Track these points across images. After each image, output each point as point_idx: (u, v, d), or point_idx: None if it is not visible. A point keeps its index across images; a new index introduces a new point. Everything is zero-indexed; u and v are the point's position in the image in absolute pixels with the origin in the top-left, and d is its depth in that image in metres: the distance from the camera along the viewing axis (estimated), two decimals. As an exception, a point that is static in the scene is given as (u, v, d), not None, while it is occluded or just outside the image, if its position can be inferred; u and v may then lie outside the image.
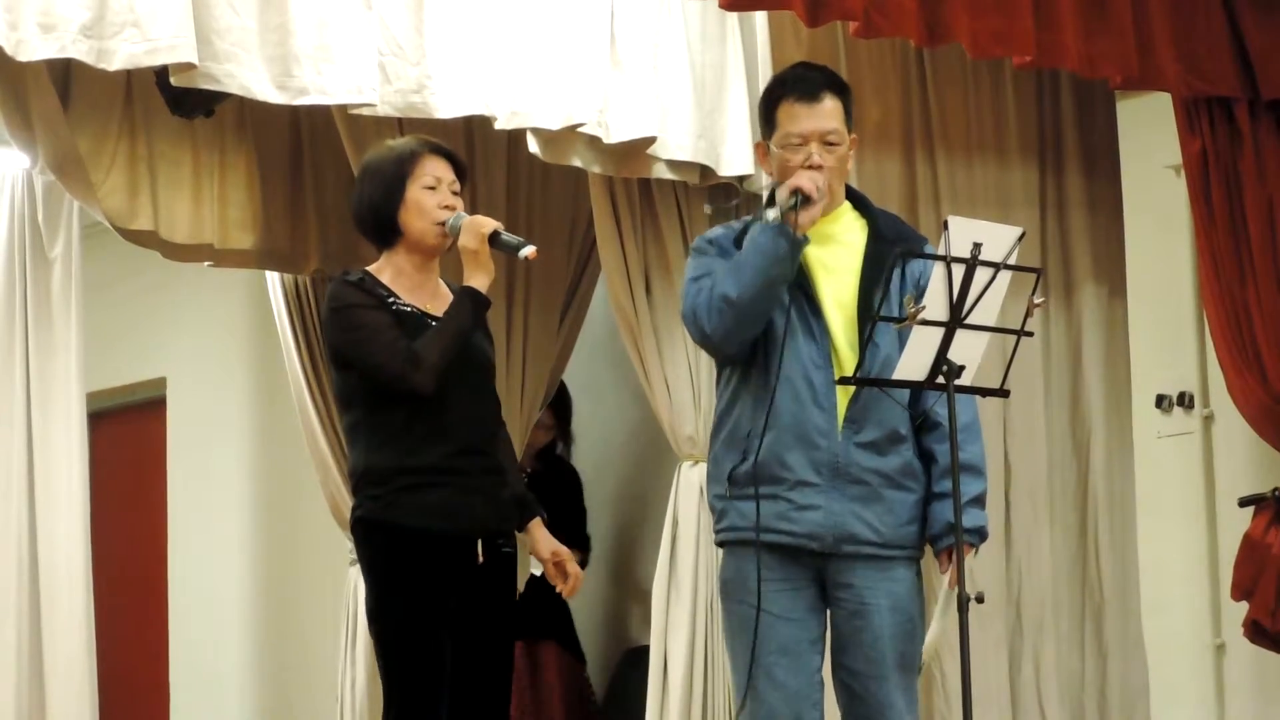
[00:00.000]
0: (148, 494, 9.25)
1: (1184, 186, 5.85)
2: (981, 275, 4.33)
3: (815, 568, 4.49)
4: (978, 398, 4.57)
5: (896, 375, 4.39)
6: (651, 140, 5.91)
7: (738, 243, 4.53)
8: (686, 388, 6.33)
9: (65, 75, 6.26)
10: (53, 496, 7.19)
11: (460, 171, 4.86)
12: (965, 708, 4.40)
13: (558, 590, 4.96)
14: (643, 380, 6.45)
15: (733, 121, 6.06)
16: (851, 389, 4.45)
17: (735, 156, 6.06)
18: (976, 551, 4.50)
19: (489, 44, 5.65)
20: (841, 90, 4.57)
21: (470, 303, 4.71)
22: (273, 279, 7.37)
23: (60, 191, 6.95)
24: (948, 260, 4.30)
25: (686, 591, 6.23)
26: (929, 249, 4.52)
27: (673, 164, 6.05)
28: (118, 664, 8.48)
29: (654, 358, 6.36)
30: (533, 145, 5.89)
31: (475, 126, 6.46)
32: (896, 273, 4.51)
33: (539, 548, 4.92)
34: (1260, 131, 5.73)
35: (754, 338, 4.47)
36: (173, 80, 5.37)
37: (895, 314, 4.42)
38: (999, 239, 4.36)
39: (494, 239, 4.74)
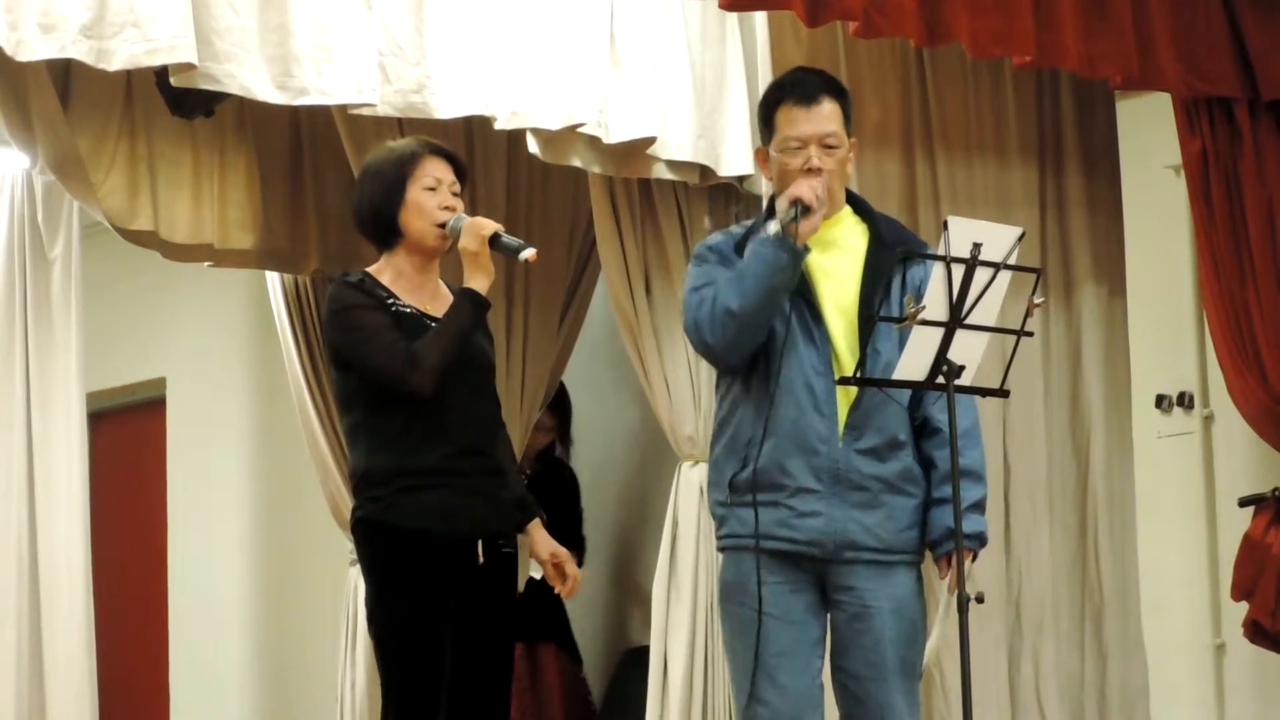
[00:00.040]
0: (148, 494, 9.25)
1: (1184, 186, 5.86)
2: (981, 275, 4.33)
3: (816, 571, 4.49)
4: (978, 400, 4.57)
5: (896, 375, 4.39)
6: (651, 140, 5.91)
7: (738, 249, 4.53)
8: (686, 388, 6.32)
9: (65, 75, 6.26)
10: (53, 496, 7.19)
11: (461, 172, 4.86)
12: (965, 708, 4.40)
13: (556, 591, 4.97)
14: (643, 380, 6.45)
15: (733, 122, 6.06)
16: (852, 396, 4.45)
17: (735, 157, 6.06)
18: (975, 557, 4.50)
19: (489, 44, 5.65)
20: (840, 94, 4.57)
21: (470, 304, 4.71)
22: (273, 279, 7.37)
23: (60, 191, 6.95)
24: (947, 260, 4.30)
25: (687, 592, 6.22)
26: (929, 249, 4.52)
27: (673, 164, 6.05)
28: (118, 664, 8.48)
29: (654, 358, 6.36)
30: (533, 145, 5.89)
31: (475, 126, 6.46)
32: (897, 277, 4.51)
33: (538, 549, 4.92)
34: (1260, 131, 5.73)
35: (756, 347, 4.47)
36: (173, 80, 5.37)
37: (895, 318, 4.42)
38: (999, 239, 4.36)
39: (494, 241, 4.74)
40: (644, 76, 5.87)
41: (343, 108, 5.75)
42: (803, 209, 4.36)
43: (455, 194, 4.82)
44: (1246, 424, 5.77)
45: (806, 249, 4.39)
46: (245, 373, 8.85)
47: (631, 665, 7.54)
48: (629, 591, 7.98)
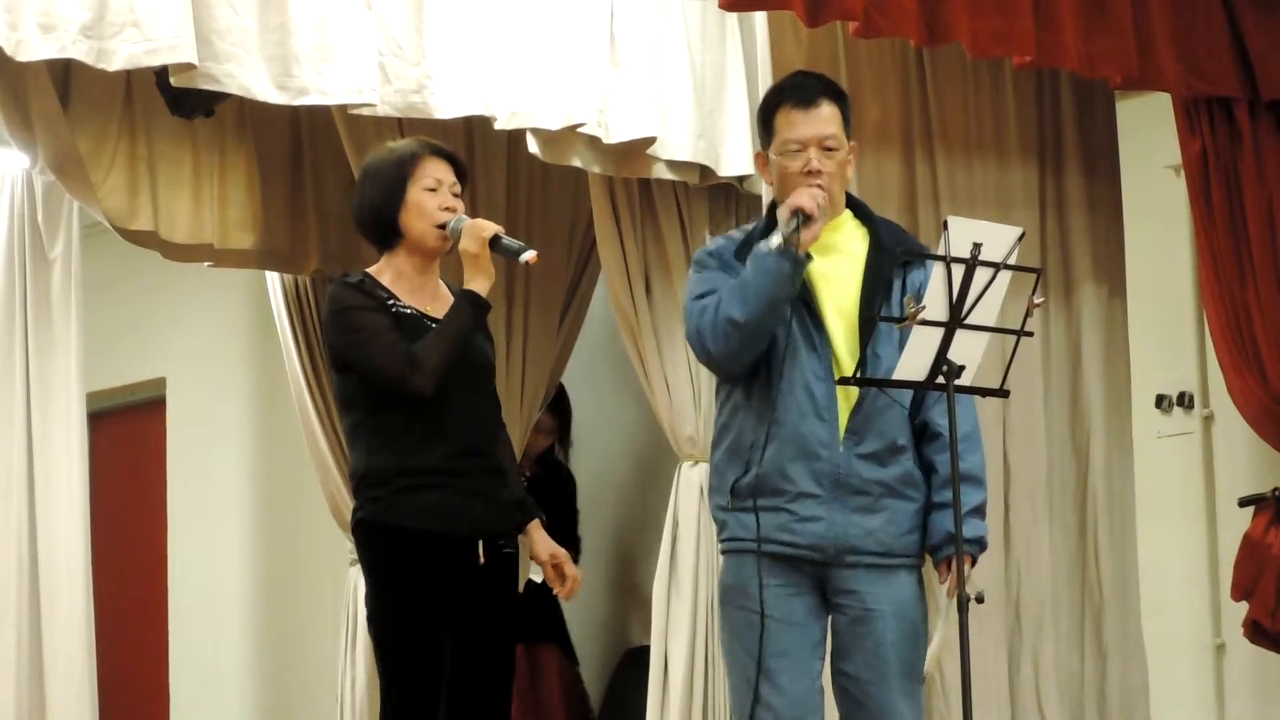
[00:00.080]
0: (148, 494, 9.25)
1: (1184, 186, 5.86)
2: (981, 275, 4.33)
3: (816, 575, 4.49)
4: (978, 401, 4.57)
5: (896, 376, 4.38)
6: (651, 140, 5.91)
7: (738, 254, 4.53)
8: (686, 388, 6.33)
9: (65, 75, 6.26)
10: (53, 496, 7.19)
11: (461, 173, 4.86)
12: (965, 708, 4.40)
13: (555, 593, 4.97)
14: (643, 380, 6.45)
15: (733, 122, 6.06)
16: (853, 401, 4.45)
17: (735, 157, 6.06)
18: (975, 562, 4.50)
19: (489, 44, 5.65)
20: (839, 97, 4.57)
21: (470, 306, 4.71)
22: (273, 279, 7.37)
23: (60, 191, 6.95)
24: (947, 260, 4.30)
25: (687, 591, 6.23)
26: (929, 250, 4.52)
27: (672, 164, 6.05)
28: (118, 664, 8.48)
29: (654, 358, 6.37)
30: (533, 145, 5.89)
31: (475, 126, 6.46)
32: (897, 281, 4.51)
33: (538, 549, 4.92)
34: (1260, 131, 5.73)
35: (759, 355, 4.47)
36: (173, 80, 5.37)
37: (896, 318, 4.42)
38: (999, 239, 4.36)
39: (495, 243, 4.74)
40: (644, 76, 5.87)
41: (343, 108, 5.75)
42: (804, 218, 4.36)
43: (456, 195, 4.82)
44: (1246, 424, 5.77)
45: (809, 257, 4.39)
46: (245, 373, 8.85)
47: (631, 665, 7.54)
48: (629, 591, 7.98)
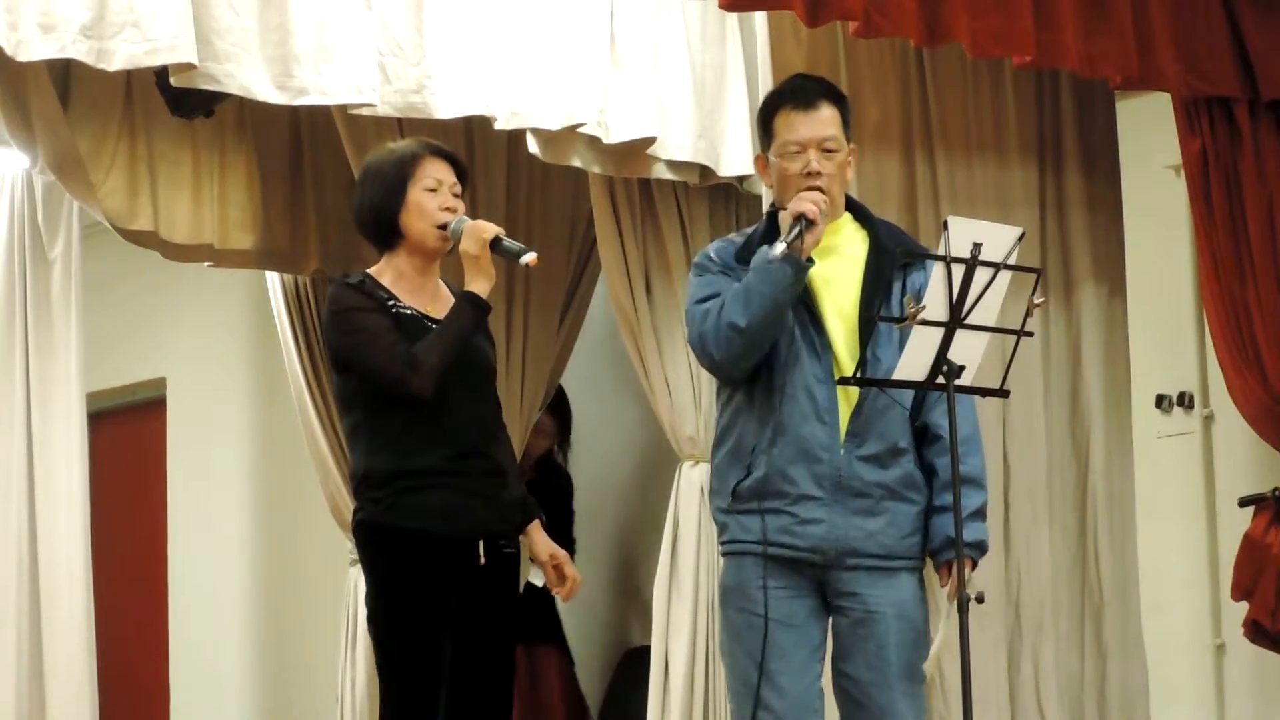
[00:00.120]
0: (148, 494, 9.25)
1: (1184, 186, 5.86)
2: (981, 275, 4.33)
3: (817, 577, 4.49)
4: (978, 401, 4.57)
5: (896, 376, 4.38)
6: (651, 140, 5.91)
7: (739, 257, 4.53)
8: (687, 388, 6.32)
9: (65, 75, 6.26)
10: (53, 496, 7.19)
11: (461, 173, 4.87)
12: (965, 708, 4.40)
13: (554, 594, 4.97)
14: (643, 380, 6.45)
15: (733, 122, 6.06)
16: (853, 403, 4.45)
17: (735, 157, 6.06)
18: (975, 565, 4.50)
19: (489, 44, 5.65)
20: (838, 99, 4.58)
21: (471, 307, 4.71)
22: (273, 279, 7.37)
23: (60, 191, 6.95)
24: (947, 260, 4.30)
25: (688, 592, 6.22)
26: (929, 250, 4.52)
27: (672, 164, 6.05)
28: (118, 664, 8.48)
29: (654, 358, 6.36)
30: (533, 145, 5.89)
31: (475, 126, 6.46)
32: (897, 283, 4.51)
33: (538, 550, 4.93)
34: (1260, 131, 5.73)
35: (761, 359, 4.47)
36: (173, 80, 5.37)
37: (896, 318, 4.42)
38: (999, 239, 4.36)
39: (495, 245, 4.74)
40: (644, 76, 5.87)
41: (343, 108, 5.75)
42: (807, 223, 4.36)
43: (456, 195, 4.82)
44: (1246, 424, 5.77)
45: (811, 261, 4.39)
46: (245, 373, 8.85)
47: (631, 666, 7.54)
48: (629, 591, 7.98)
